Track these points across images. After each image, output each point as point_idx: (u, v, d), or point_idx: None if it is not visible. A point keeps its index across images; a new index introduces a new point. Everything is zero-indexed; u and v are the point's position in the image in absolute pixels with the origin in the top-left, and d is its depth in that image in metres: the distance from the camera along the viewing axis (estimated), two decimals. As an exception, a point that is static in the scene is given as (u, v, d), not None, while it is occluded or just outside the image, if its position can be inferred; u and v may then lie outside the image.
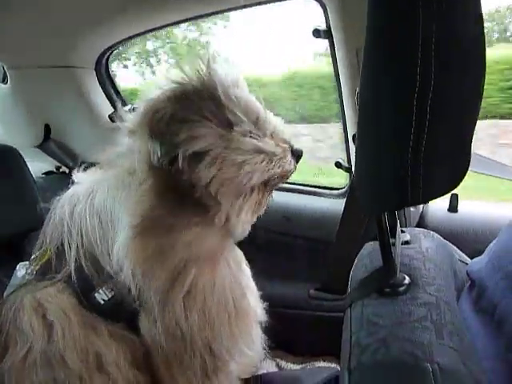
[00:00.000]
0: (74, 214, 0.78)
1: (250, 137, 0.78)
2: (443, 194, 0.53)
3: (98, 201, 0.77)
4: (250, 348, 0.84)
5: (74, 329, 0.72)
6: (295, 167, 0.85)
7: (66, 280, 0.75)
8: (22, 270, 0.82)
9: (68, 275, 0.75)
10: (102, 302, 0.74)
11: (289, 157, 0.82)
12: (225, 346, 0.77)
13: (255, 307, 0.86)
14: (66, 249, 0.76)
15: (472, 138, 0.50)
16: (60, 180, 1.60)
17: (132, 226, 0.72)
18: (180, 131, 0.72)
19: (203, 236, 0.77)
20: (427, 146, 0.45)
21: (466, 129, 0.48)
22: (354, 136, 1.15)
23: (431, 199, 0.50)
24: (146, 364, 0.76)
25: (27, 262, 0.82)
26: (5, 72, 1.49)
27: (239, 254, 0.89)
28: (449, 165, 0.49)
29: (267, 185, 0.82)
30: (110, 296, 0.74)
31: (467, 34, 0.44)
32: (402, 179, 0.48)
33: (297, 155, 0.84)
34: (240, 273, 0.84)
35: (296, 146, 0.84)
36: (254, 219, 0.86)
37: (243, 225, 0.82)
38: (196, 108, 0.74)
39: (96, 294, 0.74)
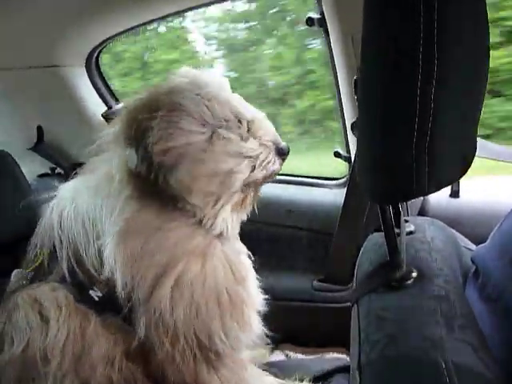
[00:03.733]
0: (61, 218, 0.79)
1: (230, 138, 0.77)
2: (450, 183, 0.51)
3: (81, 205, 0.78)
4: (249, 337, 0.84)
5: (69, 324, 0.73)
6: (281, 165, 0.84)
7: (60, 280, 0.77)
8: (17, 275, 0.83)
9: (62, 276, 0.76)
10: (97, 299, 0.76)
11: (272, 157, 0.81)
12: (217, 337, 0.77)
13: (254, 297, 0.85)
14: (58, 252, 0.77)
15: (477, 124, 0.48)
16: (55, 181, 1.58)
17: (118, 231, 0.73)
18: (156, 138, 0.72)
19: (190, 235, 0.77)
20: (432, 133, 0.44)
21: (471, 114, 0.47)
22: (352, 125, 1.14)
23: (438, 189, 0.49)
24: (142, 354, 0.76)
25: (22, 269, 0.82)
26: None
27: (238, 245, 0.89)
28: (455, 152, 0.47)
29: (250, 186, 0.82)
30: (104, 292, 0.76)
31: (469, 12, 0.42)
32: (407, 169, 0.46)
33: (282, 153, 0.83)
34: (239, 264, 0.84)
35: (281, 143, 0.83)
36: (243, 217, 0.86)
37: (231, 224, 0.82)
38: (175, 111, 0.74)
39: (91, 291, 0.76)
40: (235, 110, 0.79)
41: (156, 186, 0.74)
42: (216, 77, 0.84)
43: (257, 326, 0.86)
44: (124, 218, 0.74)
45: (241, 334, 0.80)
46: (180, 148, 0.73)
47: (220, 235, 0.81)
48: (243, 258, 0.88)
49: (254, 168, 0.79)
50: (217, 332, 0.76)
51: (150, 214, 0.76)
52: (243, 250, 0.90)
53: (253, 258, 0.91)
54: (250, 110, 0.82)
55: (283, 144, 0.83)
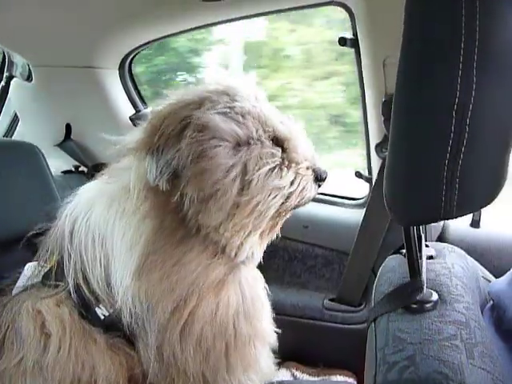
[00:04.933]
0: (73, 229, 0.75)
1: (267, 162, 0.71)
2: (477, 210, 0.51)
3: (93, 220, 0.74)
4: (257, 373, 0.80)
5: (72, 341, 0.70)
6: (317, 191, 0.78)
7: (66, 294, 0.74)
8: (29, 270, 0.81)
9: (68, 290, 0.74)
10: (103, 318, 0.73)
11: (309, 185, 0.75)
12: (221, 377, 0.74)
13: (266, 331, 0.82)
14: (65, 264, 0.74)
15: (510, 155, 0.48)
16: (78, 179, 1.61)
17: (136, 265, 0.69)
18: (183, 162, 0.67)
19: (210, 266, 0.73)
20: (464, 159, 0.44)
21: (505, 143, 0.47)
22: (376, 146, 1.14)
23: (464, 214, 0.49)
24: (144, 380, 0.74)
25: (35, 263, 0.81)
26: (30, 70, 1.51)
27: (255, 274, 0.84)
28: (486, 178, 0.47)
29: (282, 213, 0.76)
30: (110, 312, 0.73)
31: (509, 44, 0.42)
32: (437, 192, 0.46)
33: (320, 180, 0.77)
34: (253, 295, 0.79)
35: (320, 169, 0.76)
36: (266, 244, 0.80)
37: (256, 251, 0.78)
38: (206, 131, 0.68)
39: (96, 309, 0.73)
40: (271, 128, 0.73)
41: (176, 205, 0.70)
42: (251, 87, 0.77)
43: (266, 363, 0.83)
44: (140, 249, 0.70)
45: (245, 373, 0.78)
46: (208, 178, 0.67)
47: (242, 262, 0.76)
48: (260, 287, 0.83)
49: (288, 198, 0.73)
50: (221, 371, 0.74)
51: (167, 243, 0.70)
52: (260, 277, 0.86)
53: (265, 284, 0.86)
54: (286, 125, 0.76)
55: (322, 170, 0.77)
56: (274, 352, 0.92)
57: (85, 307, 0.73)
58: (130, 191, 0.72)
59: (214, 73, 0.80)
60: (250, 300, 0.78)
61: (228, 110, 0.70)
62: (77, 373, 0.69)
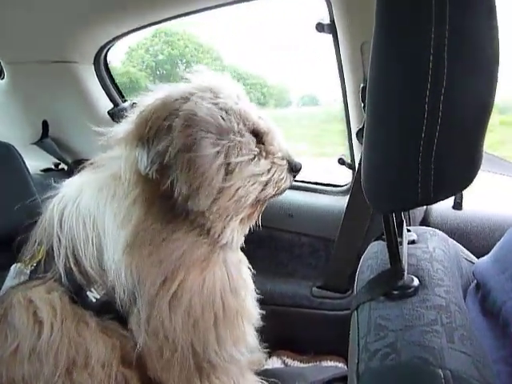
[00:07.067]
0: (63, 216, 0.78)
1: (244, 160, 0.77)
2: (453, 194, 0.51)
3: (84, 204, 0.78)
4: (243, 350, 0.84)
5: (64, 325, 0.72)
6: (292, 182, 0.85)
7: (56, 279, 0.76)
8: (16, 270, 0.82)
9: (58, 276, 0.76)
10: (94, 301, 0.75)
11: (284, 175, 0.83)
12: (211, 348, 0.77)
13: (251, 310, 0.86)
14: (55, 251, 0.77)
15: (484, 136, 0.48)
16: (58, 177, 1.58)
17: (124, 242, 0.73)
18: (174, 153, 0.71)
19: (196, 244, 0.77)
20: (439, 143, 0.44)
21: (479, 126, 0.46)
22: (357, 132, 1.14)
23: (441, 199, 0.49)
24: (138, 360, 0.76)
25: (21, 264, 0.82)
26: (1, 67, 1.47)
27: (239, 256, 0.89)
28: (461, 163, 0.47)
29: (260, 201, 0.83)
30: (102, 294, 0.76)
31: (480, 29, 0.42)
32: (413, 178, 0.46)
33: (295, 170, 0.85)
34: (237, 275, 0.84)
35: (294, 160, 0.84)
36: (246, 230, 0.86)
37: (237, 235, 0.83)
38: (193, 123, 0.73)
39: (88, 293, 0.75)
40: (251, 123, 0.80)
41: (166, 192, 0.74)
42: (233, 85, 0.84)
43: (252, 340, 0.86)
44: (131, 227, 0.74)
45: (235, 347, 0.80)
46: (197, 168, 0.72)
47: (224, 245, 0.81)
48: (243, 268, 0.89)
49: (265, 186, 0.80)
50: (211, 343, 0.77)
51: (156, 222, 0.75)
52: (244, 259, 0.91)
53: (252, 271, 0.91)
54: (264, 122, 0.83)
55: (296, 161, 0.84)
56: (263, 341, 0.93)
57: (76, 291, 0.75)
58: (121, 178, 0.76)
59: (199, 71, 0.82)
60: (235, 278, 0.82)
61: (213, 106, 0.76)
62: (71, 355, 0.72)
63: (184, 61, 2.16)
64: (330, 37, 1.11)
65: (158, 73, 2.10)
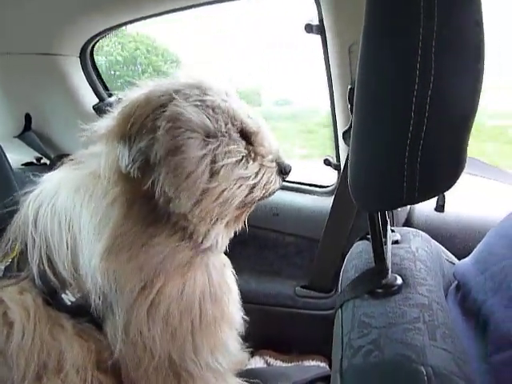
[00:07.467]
0: (38, 215, 0.75)
1: (232, 161, 0.73)
2: (438, 194, 0.52)
3: (60, 204, 0.74)
4: (225, 356, 0.81)
5: (37, 328, 0.69)
6: (281, 184, 0.82)
7: (31, 279, 0.73)
8: None
9: (32, 277, 0.73)
10: (69, 303, 0.72)
11: (273, 178, 0.79)
12: (188, 357, 0.74)
13: (233, 315, 0.84)
14: (29, 251, 0.73)
15: (469, 137, 0.49)
16: (40, 171, 1.55)
17: (103, 247, 0.69)
18: (160, 152, 0.68)
19: (177, 249, 0.74)
20: (425, 143, 0.45)
21: (464, 126, 0.47)
22: (343, 133, 1.15)
23: (427, 199, 0.49)
24: (114, 365, 0.73)
25: None
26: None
27: (223, 259, 0.87)
28: (446, 163, 0.48)
29: (247, 204, 0.79)
30: (77, 297, 0.72)
31: (467, 23, 0.43)
32: (399, 177, 0.47)
33: (284, 173, 0.81)
34: (220, 279, 0.81)
35: (284, 162, 0.80)
36: (232, 233, 0.84)
37: (221, 239, 0.80)
38: (178, 122, 0.69)
39: (63, 295, 0.72)
40: (239, 122, 0.76)
41: (147, 192, 0.70)
42: (222, 82, 0.80)
43: (234, 346, 0.84)
44: (109, 230, 0.70)
45: (212, 355, 0.78)
46: (183, 170, 0.69)
47: (208, 249, 0.78)
48: (227, 272, 0.86)
49: (253, 188, 0.76)
50: (188, 351, 0.74)
51: (136, 225, 0.71)
52: (228, 263, 0.89)
53: (236, 273, 0.89)
54: (255, 121, 0.79)
55: (286, 163, 0.81)
56: (246, 340, 0.93)
57: (50, 293, 0.72)
58: (100, 176, 0.73)
59: (186, 66, 0.80)
60: (216, 284, 0.79)
61: (199, 103, 0.72)
62: (42, 359, 0.68)
63: (138, 62, 2.15)
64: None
65: (110, 73, 2.07)
